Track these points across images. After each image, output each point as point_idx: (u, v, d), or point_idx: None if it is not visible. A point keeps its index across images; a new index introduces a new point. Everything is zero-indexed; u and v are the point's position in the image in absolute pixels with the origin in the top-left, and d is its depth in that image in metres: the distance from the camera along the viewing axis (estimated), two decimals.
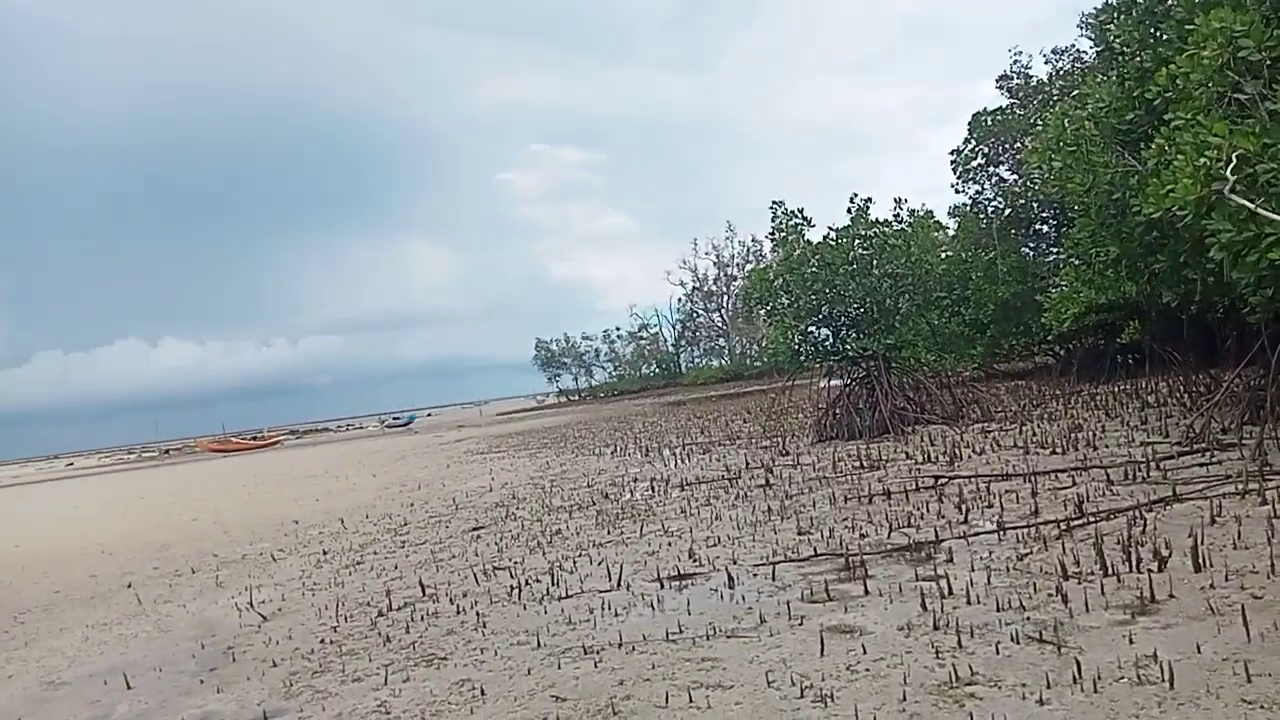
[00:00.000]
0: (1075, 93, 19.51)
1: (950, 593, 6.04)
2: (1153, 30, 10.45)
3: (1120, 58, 11.01)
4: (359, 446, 47.26)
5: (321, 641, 7.07)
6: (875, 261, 16.99)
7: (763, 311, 19.76)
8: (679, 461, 17.34)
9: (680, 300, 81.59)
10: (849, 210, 17.55)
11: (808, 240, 17.54)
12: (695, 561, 8.13)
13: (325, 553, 11.61)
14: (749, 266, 75.23)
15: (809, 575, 7.11)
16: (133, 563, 13.20)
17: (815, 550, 7.87)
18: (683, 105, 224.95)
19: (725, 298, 79.94)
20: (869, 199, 17.54)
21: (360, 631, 7.23)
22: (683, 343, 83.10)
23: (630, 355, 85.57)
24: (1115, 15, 11.45)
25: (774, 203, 17.84)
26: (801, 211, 17.65)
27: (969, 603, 5.80)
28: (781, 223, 17.62)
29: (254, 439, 71.82)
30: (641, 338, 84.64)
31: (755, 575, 7.37)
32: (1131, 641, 4.76)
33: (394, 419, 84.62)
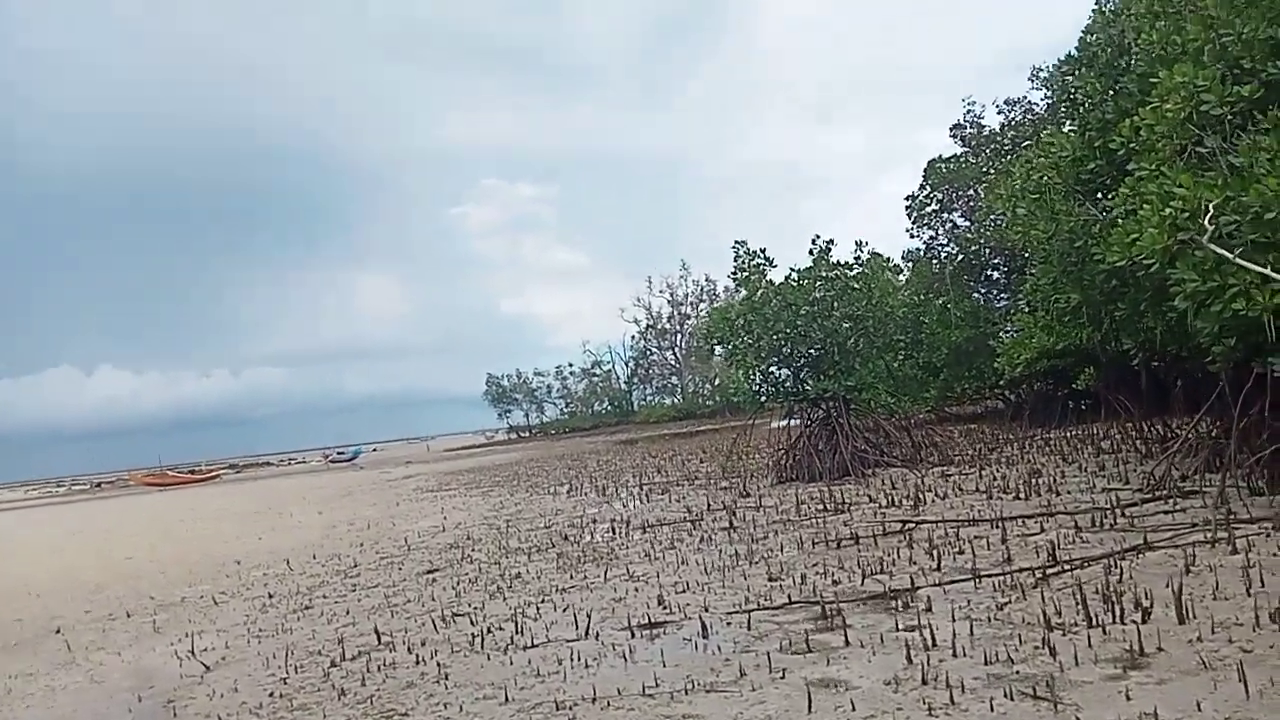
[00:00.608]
0: (1027, 143, 20.03)
1: (934, 644, 5.88)
2: (1114, 83, 10.71)
3: (1081, 109, 11.25)
4: (302, 482, 45.97)
5: (270, 695, 6.64)
6: (836, 303, 17.06)
7: (722, 351, 19.69)
8: (637, 502, 17.06)
9: (634, 338, 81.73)
10: (811, 252, 17.66)
11: (769, 280, 17.58)
12: (665, 609, 7.86)
13: (271, 596, 11.07)
14: (703, 305, 75.73)
15: (785, 625, 6.89)
16: (62, 605, 12.46)
17: (789, 598, 7.66)
18: (640, 142, 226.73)
19: (679, 336, 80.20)
20: (831, 240, 17.68)
21: (312, 684, 6.81)
22: (635, 380, 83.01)
23: (583, 392, 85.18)
24: (1077, 67, 11.75)
25: (737, 242, 17.92)
26: (764, 251, 17.73)
27: (955, 655, 5.63)
28: (744, 262, 17.66)
29: (191, 472, 69.49)
30: (594, 374, 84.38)
31: (729, 624, 7.13)
32: (1129, 698, 4.62)
33: (338, 453, 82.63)
